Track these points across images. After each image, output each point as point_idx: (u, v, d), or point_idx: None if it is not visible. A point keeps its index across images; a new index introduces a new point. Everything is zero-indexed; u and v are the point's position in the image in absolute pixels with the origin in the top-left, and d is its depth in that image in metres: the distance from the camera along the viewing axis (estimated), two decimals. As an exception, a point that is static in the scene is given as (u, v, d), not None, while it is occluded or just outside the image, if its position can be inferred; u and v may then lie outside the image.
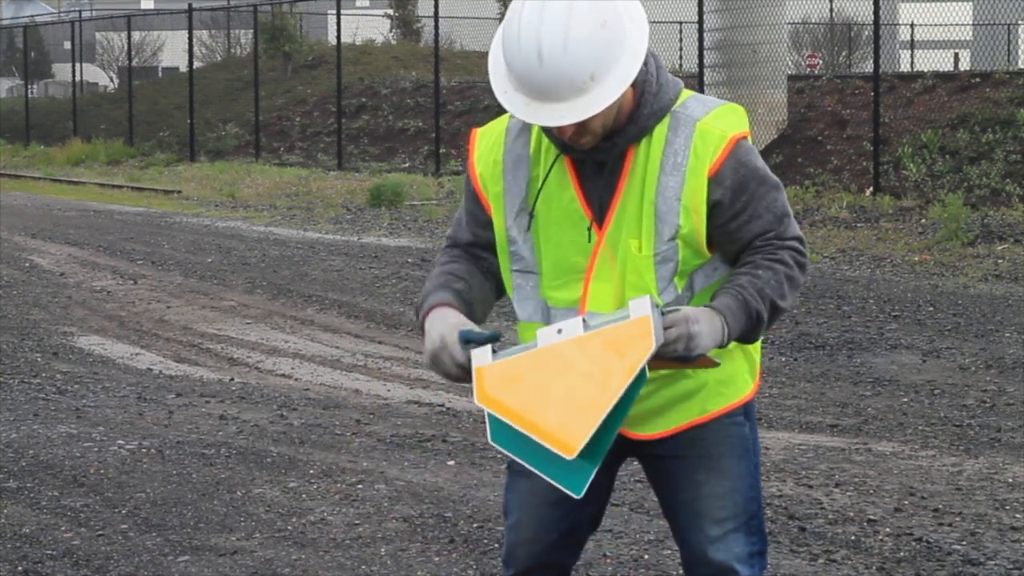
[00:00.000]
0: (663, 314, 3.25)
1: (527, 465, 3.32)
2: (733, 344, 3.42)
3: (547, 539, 3.58)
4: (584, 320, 3.27)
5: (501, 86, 3.30)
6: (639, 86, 3.34)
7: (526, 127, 3.49)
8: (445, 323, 3.39)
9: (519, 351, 3.31)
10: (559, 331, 3.27)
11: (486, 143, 3.53)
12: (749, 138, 3.41)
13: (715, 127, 3.35)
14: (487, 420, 3.33)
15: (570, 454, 3.20)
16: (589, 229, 3.39)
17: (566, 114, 3.22)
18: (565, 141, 3.35)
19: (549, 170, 3.41)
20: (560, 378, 3.24)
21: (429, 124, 26.83)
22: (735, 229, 3.39)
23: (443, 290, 3.48)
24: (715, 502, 3.49)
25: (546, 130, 3.41)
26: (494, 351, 3.33)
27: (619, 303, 3.38)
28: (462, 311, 3.45)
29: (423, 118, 27.86)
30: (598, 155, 3.37)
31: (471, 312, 3.48)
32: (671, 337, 3.22)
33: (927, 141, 18.41)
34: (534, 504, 3.57)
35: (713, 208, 3.35)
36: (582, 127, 3.28)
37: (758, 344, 3.58)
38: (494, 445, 3.36)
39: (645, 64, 3.33)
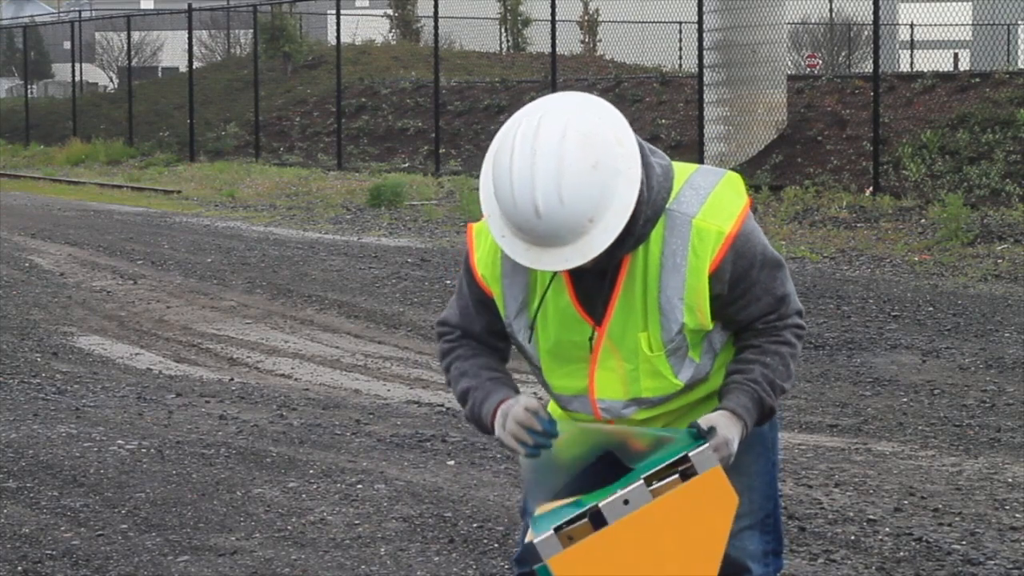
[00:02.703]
0: (703, 437, 3.24)
1: None
2: None
3: None
4: (643, 479, 3.15)
5: (498, 229, 3.22)
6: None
7: None
8: (518, 404, 3.35)
9: (580, 519, 3.16)
10: (625, 502, 3.14)
11: (484, 245, 3.45)
12: (749, 212, 3.36)
13: (711, 225, 3.30)
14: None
15: None
16: (591, 330, 3.38)
17: (570, 257, 3.18)
18: None
19: (549, 283, 3.37)
20: (646, 555, 3.14)
21: (429, 124, 26.83)
22: (735, 312, 3.39)
23: (496, 385, 3.43)
24: None
25: None
26: (557, 528, 3.17)
27: (629, 392, 3.38)
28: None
29: (423, 118, 27.86)
30: (598, 266, 3.29)
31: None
32: (720, 457, 3.25)
33: (927, 141, 18.41)
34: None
35: (714, 299, 3.35)
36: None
37: None
38: None
39: None
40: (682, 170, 3.37)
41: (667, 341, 3.35)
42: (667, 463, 3.18)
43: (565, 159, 3.11)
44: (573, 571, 3.15)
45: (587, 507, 3.17)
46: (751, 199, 3.42)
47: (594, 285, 3.37)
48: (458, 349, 3.52)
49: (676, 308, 3.33)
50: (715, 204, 3.31)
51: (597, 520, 3.15)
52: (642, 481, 3.15)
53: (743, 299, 3.37)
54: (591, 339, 3.38)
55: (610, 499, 3.14)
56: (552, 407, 3.54)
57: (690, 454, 3.17)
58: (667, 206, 3.31)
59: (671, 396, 3.41)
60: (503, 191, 3.16)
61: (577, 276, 3.38)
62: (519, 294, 3.43)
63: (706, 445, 3.20)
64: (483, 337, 3.51)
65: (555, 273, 3.36)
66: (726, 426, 3.29)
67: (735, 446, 3.30)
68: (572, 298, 3.38)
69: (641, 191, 3.23)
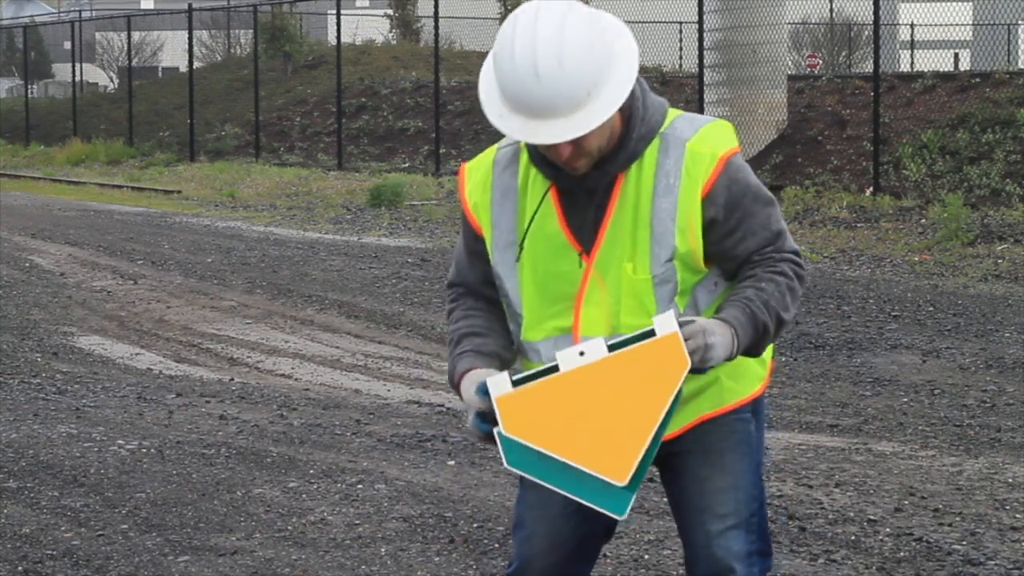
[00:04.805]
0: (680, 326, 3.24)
1: (557, 488, 3.27)
2: None
3: (562, 551, 3.56)
4: (605, 341, 3.24)
5: (496, 110, 3.29)
6: (626, 111, 3.35)
7: (514, 159, 3.49)
8: (471, 389, 3.39)
9: (540, 376, 3.26)
10: (581, 353, 3.23)
11: (476, 177, 3.53)
12: (739, 154, 3.42)
13: (705, 147, 3.36)
14: (499, 444, 3.28)
15: (622, 481, 3.18)
16: (579, 258, 3.39)
17: (565, 131, 3.23)
18: (560, 166, 3.35)
19: (540, 203, 3.41)
20: (592, 403, 3.19)
21: (429, 124, 26.83)
22: (731, 247, 3.40)
23: (468, 356, 3.48)
24: (717, 497, 3.49)
25: (536, 158, 3.41)
26: (513, 381, 3.27)
27: (611, 328, 3.38)
28: (490, 367, 3.45)
29: (423, 118, 27.86)
30: (588, 183, 3.37)
31: (501, 363, 3.49)
32: (688, 349, 3.23)
33: (927, 141, 18.41)
34: (548, 517, 3.55)
35: (708, 227, 3.36)
36: (579, 148, 3.29)
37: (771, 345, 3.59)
38: (512, 470, 3.31)
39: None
40: (675, 109, 3.48)
41: (656, 270, 3.36)
42: (633, 335, 3.24)
43: (567, 30, 3.22)
44: (518, 412, 3.23)
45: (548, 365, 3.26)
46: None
47: (584, 211, 3.40)
48: (455, 311, 3.60)
49: (668, 231, 3.35)
50: (708, 132, 3.40)
51: (553, 372, 3.24)
52: (602, 339, 3.23)
53: (738, 231, 3.38)
54: (579, 266, 3.39)
55: (567, 350, 3.23)
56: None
57: (653, 318, 3.22)
58: (661, 130, 3.38)
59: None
60: (503, 59, 3.25)
61: (567, 202, 3.41)
62: (507, 224, 3.46)
63: (671, 312, 3.21)
64: (477, 288, 3.58)
65: (544, 197, 3.40)
66: (712, 325, 3.27)
67: (719, 349, 3.26)
68: (562, 223, 3.41)
69: (635, 104, 3.35)
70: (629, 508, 3.24)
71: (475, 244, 3.54)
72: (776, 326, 3.38)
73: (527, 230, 3.42)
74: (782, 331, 3.43)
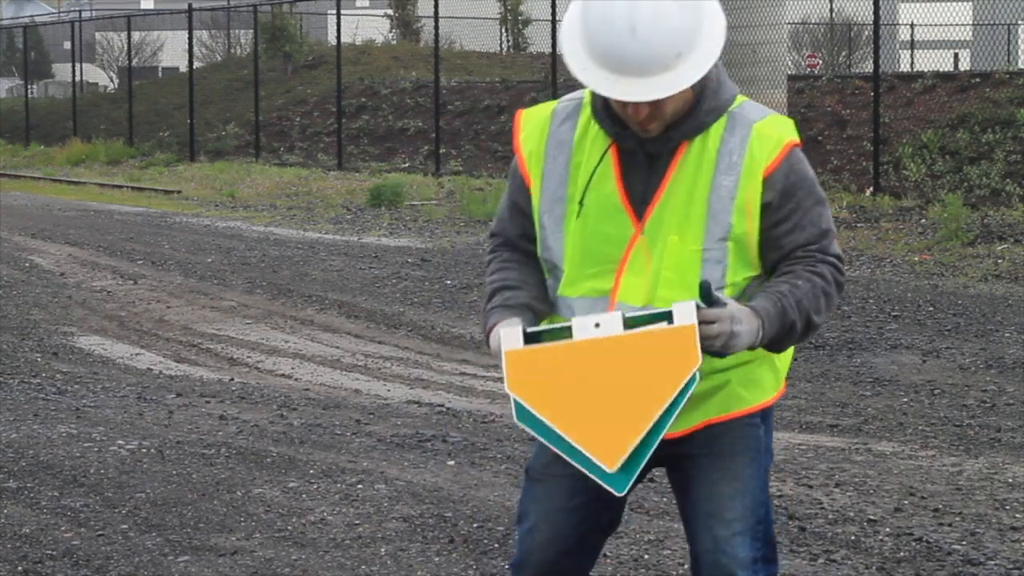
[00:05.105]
0: (711, 303, 3.20)
1: (560, 452, 3.26)
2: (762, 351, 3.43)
3: (563, 544, 3.56)
4: (622, 315, 3.21)
5: (580, 64, 3.28)
6: (699, 83, 3.35)
7: (573, 114, 3.48)
8: (495, 344, 3.38)
9: (552, 337, 3.24)
10: (596, 325, 3.22)
11: (531, 125, 3.52)
12: (801, 149, 3.43)
13: (772, 130, 3.38)
14: (512, 400, 3.28)
15: (610, 467, 3.17)
16: (629, 222, 3.38)
17: (652, 90, 3.23)
18: (626, 125, 3.34)
19: (601, 158, 3.39)
20: (598, 379, 3.18)
21: (429, 124, 26.82)
22: (778, 236, 3.39)
23: (497, 311, 3.47)
24: (724, 502, 3.48)
25: (601, 114, 3.39)
26: (526, 334, 3.27)
27: (649, 299, 3.36)
28: (523, 322, 3.43)
29: (423, 118, 27.85)
30: (653, 147, 3.36)
31: (533, 315, 3.47)
32: (713, 332, 3.22)
33: (927, 141, 18.41)
34: (551, 510, 3.55)
35: (762, 212, 3.36)
36: (656, 111, 3.29)
37: (788, 353, 3.58)
38: (520, 425, 3.31)
39: None
40: (745, 96, 3.49)
41: (708, 245, 3.34)
42: (653, 313, 3.22)
43: None
44: (524, 370, 3.22)
45: (564, 325, 3.24)
46: None
47: (642, 175, 3.39)
48: (492, 263, 3.59)
49: (726, 209, 3.34)
50: (777, 119, 3.42)
51: (567, 334, 3.23)
52: (620, 314, 3.20)
53: (788, 221, 3.37)
54: (627, 230, 3.37)
55: (583, 318, 3.21)
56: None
57: (674, 304, 3.19)
58: (730, 109, 3.39)
59: None
60: (595, 14, 3.24)
61: (626, 164, 3.39)
62: (559, 178, 3.45)
63: (692, 303, 3.18)
64: (515, 241, 3.57)
65: (604, 155, 3.39)
66: (740, 313, 3.25)
67: (743, 337, 3.25)
68: (618, 185, 3.40)
69: (709, 77, 3.34)
70: (629, 486, 3.23)
71: (519, 196, 3.53)
72: (804, 327, 3.37)
73: (587, 186, 3.40)
74: (810, 333, 3.41)
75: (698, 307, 3.20)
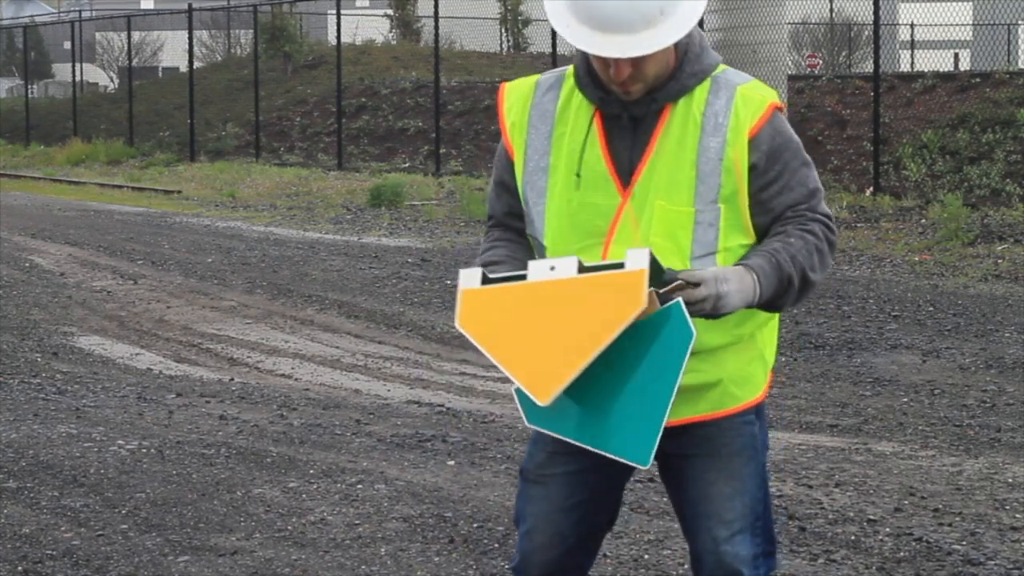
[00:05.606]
0: (660, 276, 3.20)
1: (577, 442, 3.27)
2: (752, 345, 3.42)
3: (564, 544, 3.56)
4: (579, 261, 3.23)
5: (563, 21, 3.30)
6: (681, 46, 3.37)
7: (556, 84, 3.49)
8: None
9: (508, 280, 3.28)
10: (552, 268, 3.24)
11: (515, 96, 3.53)
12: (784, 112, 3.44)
13: (755, 92, 3.39)
14: (519, 404, 3.28)
15: (543, 400, 3.18)
16: (615, 189, 3.38)
17: (633, 46, 3.24)
18: (608, 89, 3.34)
19: (588, 129, 3.40)
20: (545, 317, 3.20)
21: (429, 124, 26.82)
22: (767, 199, 3.39)
23: None
24: (723, 503, 3.47)
25: (585, 80, 3.40)
26: (485, 277, 3.30)
27: None
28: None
29: (423, 118, 27.85)
30: (637, 109, 3.37)
31: None
32: (699, 295, 3.21)
33: (927, 141, 18.41)
34: (549, 511, 3.54)
35: (749, 172, 3.36)
36: (638, 71, 3.30)
37: (774, 346, 3.56)
38: (533, 427, 3.32)
39: None
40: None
41: (699, 206, 3.34)
42: (611, 263, 3.24)
43: None
44: (477, 309, 3.25)
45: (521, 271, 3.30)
46: None
47: (627, 141, 3.39)
48: (484, 243, 3.63)
49: (715, 171, 3.35)
50: (759, 83, 3.44)
51: (522, 279, 3.27)
52: (576, 259, 3.22)
53: (776, 183, 3.38)
54: (613, 199, 3.37)
55: (540, 261, 3.26)
56: None
57: (628, 251, 3.21)
58: (713, 74, 3.40)
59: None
60: None
61: (611, 131, 3.40)
62: (541, 148, 3.45)
63: (647, 250, 3.17)
64: (504, 220, 3.60)
65: (590, 125, 3.39)
66: (726, 273, 3.25)
67: (733, 297, 3.24)
68: (604, 152, 3.40)
69: (691, 42, 3.36)
70: (652, 456, 3.23)
71: (505, 171, 3.55)
72: (801, 282, 3.35)
73: (580, 158, 3.40)
74: (807, 292, 3.38)
75: (673, 270, 3.22)
